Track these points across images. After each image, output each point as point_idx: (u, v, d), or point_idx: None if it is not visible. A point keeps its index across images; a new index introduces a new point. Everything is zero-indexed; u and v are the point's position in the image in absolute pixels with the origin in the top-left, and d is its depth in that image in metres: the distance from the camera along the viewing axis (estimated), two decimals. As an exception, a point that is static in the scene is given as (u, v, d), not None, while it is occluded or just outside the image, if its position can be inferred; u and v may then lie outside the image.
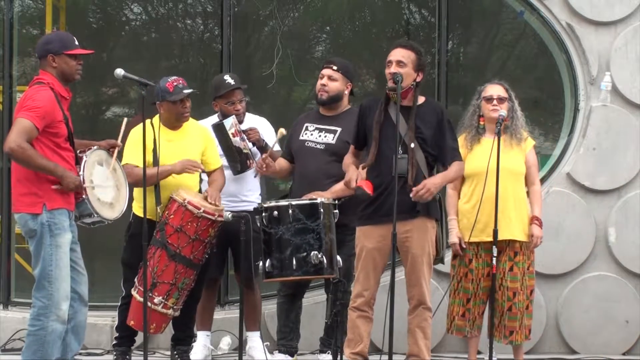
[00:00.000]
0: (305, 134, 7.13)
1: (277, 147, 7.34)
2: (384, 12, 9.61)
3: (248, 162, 7.21)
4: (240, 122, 7.28)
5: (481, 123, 6.96)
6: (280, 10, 9.05)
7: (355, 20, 9.71)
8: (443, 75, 8.44)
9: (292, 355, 7.27)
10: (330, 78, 7.06)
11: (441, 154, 6.39)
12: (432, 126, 6.34)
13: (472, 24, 9.32)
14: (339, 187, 6.80)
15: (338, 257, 6.48)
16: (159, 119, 6.95)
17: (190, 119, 7.07)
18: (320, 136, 7.09)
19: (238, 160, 7.19)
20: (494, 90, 6.99)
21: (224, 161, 7.21)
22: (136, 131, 6.78)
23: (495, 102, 6.92)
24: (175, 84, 6.91)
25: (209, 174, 7.07)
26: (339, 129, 7.04)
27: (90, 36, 9.33)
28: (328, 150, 7.01)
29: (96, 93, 9.60)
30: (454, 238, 6.95)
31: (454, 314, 7.00)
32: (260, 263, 6.41)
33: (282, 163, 7.17)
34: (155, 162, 6.72)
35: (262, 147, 7.27)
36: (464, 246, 6.91)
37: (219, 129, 7.16)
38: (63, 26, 8.90)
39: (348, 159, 6.55)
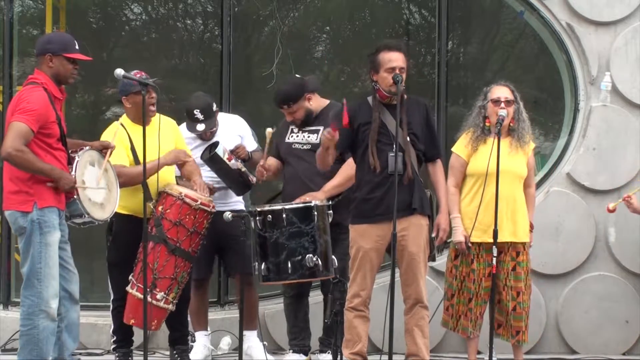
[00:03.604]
0: (292, 136, 7.18)
1: (254, 146, 7.35)
2: (384, 12, 9.61)
3: (249, 179, 7.23)
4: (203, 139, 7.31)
5: (487, 124, 6.93)
6: (280, 10, 9.05)
7: (355, 20, 9.71)
8: (443, 75, 8.44)
9: (305, 354, 7.28)
10: (291, 114, 7.10)
11: (430, 149, 6.45)
12: (420, 122, 6.42)
13: (472, 24, 9.31)
14: (330, 185, 6.83)
15: (333, 257, 6.49)
16: (127, 116, 6.94)
17: (157, 113, 7.01)
18: (304, 137, 7.13)
19: (240, 181, 7.19)
20: (501, 92, 6.96)
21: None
22: (109, 132, 6.79)
23: (502, 104, 6.90)
24: (138, 76, 6.66)
25: (182, 165, 7.02)
26: (321, 128, 7.04)
27: (90, 36, 9.33)
28: (315, 150, 6.98)
29: (96, 93, 9.61)
30: (459, 237, 6.89)
31: (460, 313, 6.98)
32: (256, 265, 6.42)
33: (273, 162, 7.19)
34: (136, 160, 6.68)
35: (249, 158, 7.32)
36: (469, 245, 6.91)
37: (214, 160, 7.12)
38: (63, 26, 8.90)
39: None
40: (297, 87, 7.12)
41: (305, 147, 7.10)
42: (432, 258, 6.60)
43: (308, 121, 7.13)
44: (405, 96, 6.40)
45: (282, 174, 7.28)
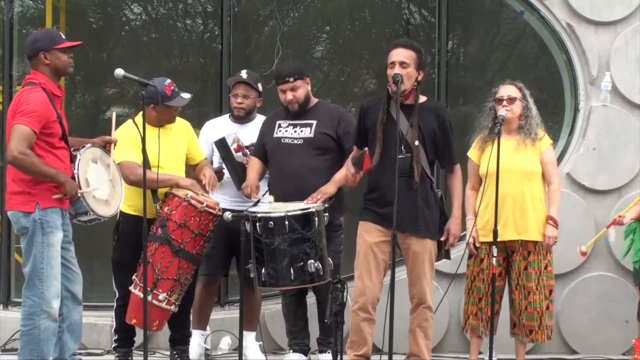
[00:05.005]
0: (280, 131, 7.02)
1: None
2: (384, 12, 9.61)
3: None
4: (240, 117, 7.31)
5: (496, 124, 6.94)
6: (280, 10, 9.05)
7: (355, 20, 9.71)
8: (443, 75, 8.44)
9: (305, 354, 7.26)
10: (293, 90, 6.98)
11: (444, 156, 6.44)
12: (432, 126, 6.39)
13: (472, 24, 9.31)
14: (340, 175, 6.71)
15: (329, 260, 6.49)
16: (143, 117, 6.93)
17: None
18: (296, 131, 6.99)
19: (241, 177, 7.14)
20: (505, 90, 6.99)
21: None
22: (122, 130, 6.83)
23: (505, 102, 6.92)
24: (172, 87, 6.93)
25: (195, 166, 7.10)
26: (314, 122, 6.97)
27: (90, 36, 9.33)
28: (309, 145, 6.92)
29: (96, 93, 9.60)
30: (469, 238, 6.95)
31: (469, 313, 7.01)
32: (251, 267, 6.41)
33: (256, 163, 7.07)
34: (146, 161, 6.67)
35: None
36: (478, 246, 6.92)
37: (221, 144, 7.15)
38: (63, 26, 8.90)
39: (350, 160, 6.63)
40: (300, 66, 7.15)
41: (297, 141, 6.95)
42: (446, 256, 6.59)
43: (302, 110, 6.99)
44: (425, 98, 6.42)
45: (266, 172, 7.14)
